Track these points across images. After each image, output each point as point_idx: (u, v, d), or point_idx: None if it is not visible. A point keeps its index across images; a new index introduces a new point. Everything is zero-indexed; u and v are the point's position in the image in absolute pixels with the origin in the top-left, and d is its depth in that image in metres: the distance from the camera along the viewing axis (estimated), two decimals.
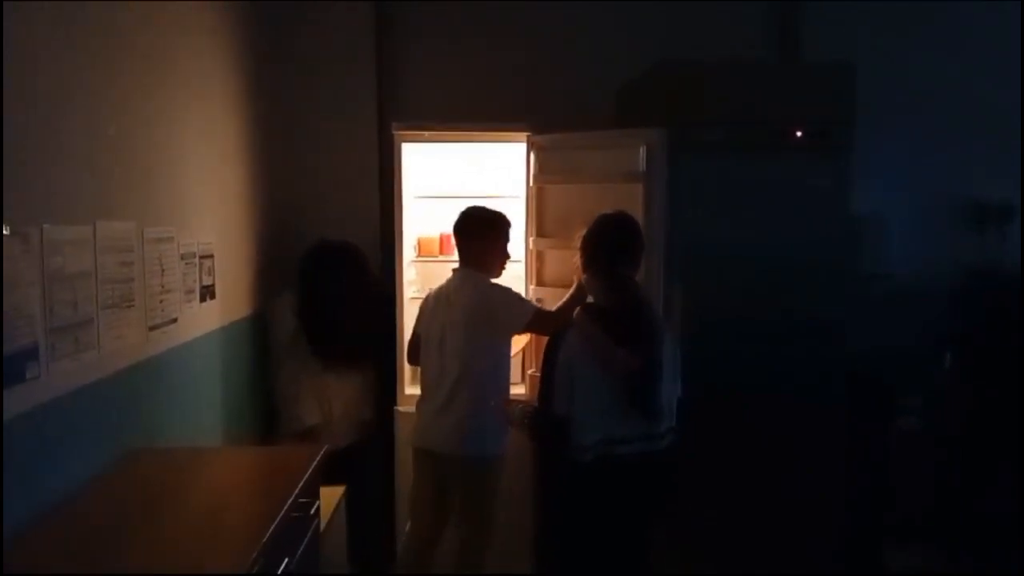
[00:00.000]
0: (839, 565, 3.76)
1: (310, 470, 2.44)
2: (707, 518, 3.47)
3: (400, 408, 3.96)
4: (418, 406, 3.51)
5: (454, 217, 4.47)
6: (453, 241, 3.56)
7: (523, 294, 4.12)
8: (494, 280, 3.48)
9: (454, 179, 4.43)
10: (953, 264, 4.47)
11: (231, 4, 3.54)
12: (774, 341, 3.55)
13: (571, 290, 3.31)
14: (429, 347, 3.43)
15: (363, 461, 3.79)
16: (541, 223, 4.01)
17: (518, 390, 3.96)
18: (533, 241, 4.04)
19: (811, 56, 4.41)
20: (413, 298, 4.03)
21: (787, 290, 3.58)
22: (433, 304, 3.47)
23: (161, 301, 2.78)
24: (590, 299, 2.90)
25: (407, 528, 3.57)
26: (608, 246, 2.81)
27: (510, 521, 3.63)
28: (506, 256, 3.51)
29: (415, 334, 3.58)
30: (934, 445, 4.13)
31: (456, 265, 3.51)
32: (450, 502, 3.45)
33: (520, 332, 3.52)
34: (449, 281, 3.49)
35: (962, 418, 4.14)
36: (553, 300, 3.94)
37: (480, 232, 3.46)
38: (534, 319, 3.37)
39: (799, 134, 3.57)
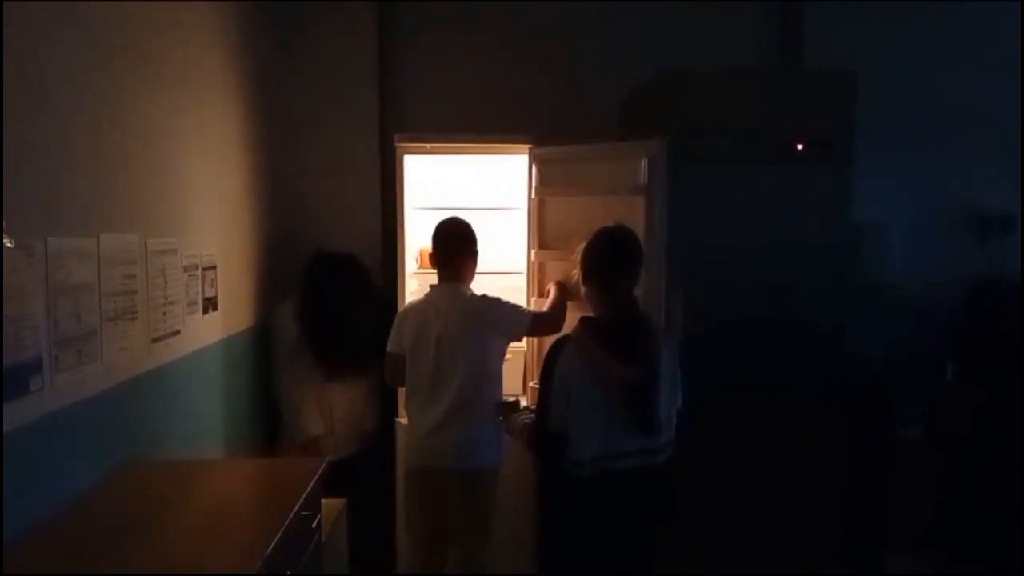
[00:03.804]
0: (840, 568, 3.76)
1: (312, 483, 2.43)
2: (709, 522, 3.48)
3: (401, 419, 3.96)
4: (411, 425, 3.42)
5: None
6: (433, 254, 3.47)
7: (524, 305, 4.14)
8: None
9: (456, 191, 4.44)
10: (954, 274, 4.47)
11: (234, 18, 3.56)
12: (776, 350, 3.56)
13: (553, 293, 3.58)
14: (420, 364, 3.32)
15: (364, 471, 3.79)
16: (543, 235, 4.02)
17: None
18: (535, 253, 4.04)
19: (813, 65, 4.42)
20: None
21: (789, 299, 3.59)
22: (418, 320, 3.35)
23: (164, 313, 2.78)
24: (589, 313, 2.89)
25: (408, 557, 3.50)
26: (606, 260, 2.80)
27: (512, 534, 3.62)
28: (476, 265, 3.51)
29: (395, 355, 3.40)
30: (935, 453, 4.13)
31: (453, 284, 3.41)
32: (451, 519, 3.38)
33: (525, 336, 3.56)
34: (433, 297, 3.40)
35: (963, 427, 4.14)
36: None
37: (463, 245, 3.42)
38: (536, 321, 3.44)
39: (800, 143, 3.58)
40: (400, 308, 4.00)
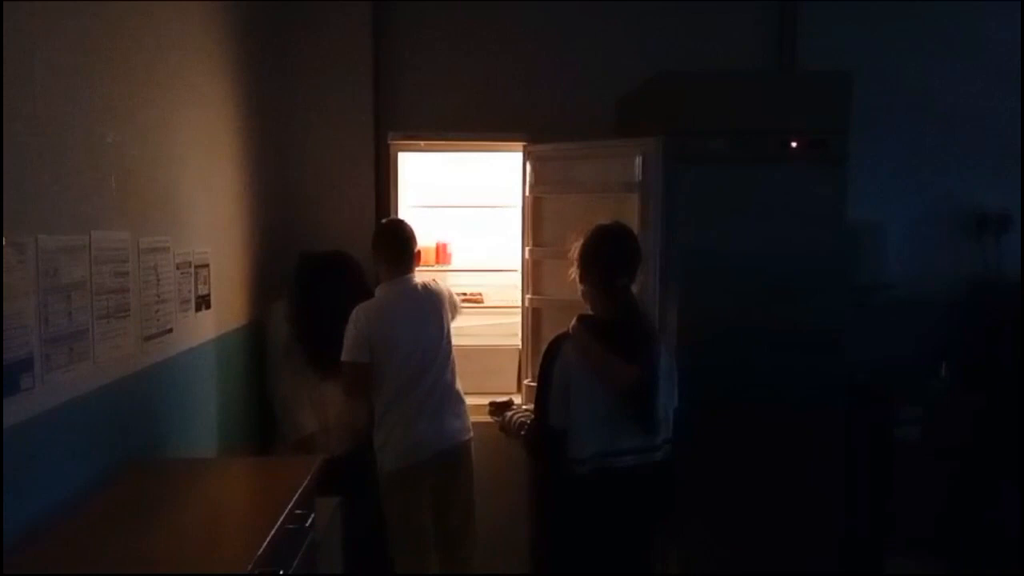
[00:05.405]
0: (839, 571, 3.76)
1: (306, 481, 2.42)
2: (709, 523, 3.49)
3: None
4: (398, 425, 3.42)
5: (451, 226, 4.47)
6: (391, 251, 3.51)
7: (519, 303, 4.14)
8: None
9: (451, 188, 4.43)
10: (951, 274, 4.47)
11: (229, 15, 3.54)
12: (772, 351, 3.56)
13: None
14: (407, 363, 3.38)
15: (359, 469, 3.78)
16: (537, 233, 4.02)
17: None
18: (529, 251, 4.04)
19: (809, 66, 4.42)
20: None
21: (785, 300, 3.59)
22: (390, 321, 3.39)
23: (156, 311, 2.76)
24: (587, 311, 2.88)
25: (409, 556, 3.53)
26: (604, 257, 2.78)
27: (506, 532, 3.61)
28: None
29: (362, 364, 3.38)
30: (933, 455, 4.12)
31: (407, 276, 3.50)
32: (449, 492, 3.54)
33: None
34: (399, 294, 3.46)
35: (961, 428, 4.13)
36: (549, 309, 3.95)
37: (414, 242, 3.56)
38: None
39: (796, 144, 3.58)
40: None
